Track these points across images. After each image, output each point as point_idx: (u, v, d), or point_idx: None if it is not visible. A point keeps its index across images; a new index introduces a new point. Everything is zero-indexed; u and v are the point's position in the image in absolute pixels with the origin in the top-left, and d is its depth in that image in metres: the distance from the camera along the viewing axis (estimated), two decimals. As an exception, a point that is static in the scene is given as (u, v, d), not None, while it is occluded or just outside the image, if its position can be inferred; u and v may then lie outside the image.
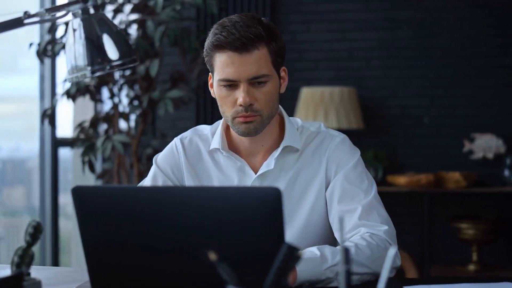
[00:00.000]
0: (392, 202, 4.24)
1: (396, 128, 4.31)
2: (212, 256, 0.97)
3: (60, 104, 3.77)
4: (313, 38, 4.40)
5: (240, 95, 1.58)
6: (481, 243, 3.94)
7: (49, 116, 3.72)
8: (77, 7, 1.24)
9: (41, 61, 3.68)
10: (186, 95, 3.70)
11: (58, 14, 1.25)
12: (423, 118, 4.28)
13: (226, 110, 1.63)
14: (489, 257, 4.06)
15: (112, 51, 1.26)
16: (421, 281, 1.43)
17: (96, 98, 3.81)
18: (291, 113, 4.19)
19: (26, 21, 1.23)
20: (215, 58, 1.61)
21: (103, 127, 3.89)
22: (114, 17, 3.81)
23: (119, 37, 1.28)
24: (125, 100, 3.84)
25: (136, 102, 3.78)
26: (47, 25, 3.89)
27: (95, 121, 3.80)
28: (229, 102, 1.61)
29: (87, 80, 3.70)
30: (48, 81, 4.03)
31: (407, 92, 4.30)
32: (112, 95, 3.77)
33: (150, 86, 3.74)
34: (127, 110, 3.81)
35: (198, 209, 1.16)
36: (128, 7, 3.83)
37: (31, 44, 3.62)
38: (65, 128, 4.34)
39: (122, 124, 3.88)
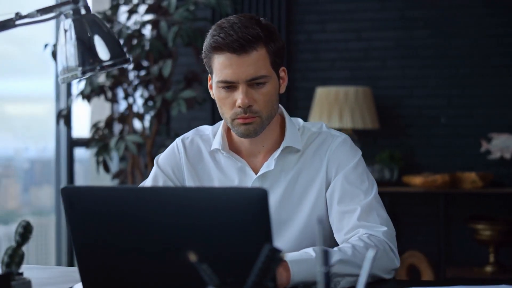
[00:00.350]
0: (408, 202, 4.22)
1: (412, 128, 4.27)
2: (192, 257, 0.97)
3: (77, 104, 3.80)
4: (328, 38, 4.38)
5: (238, 97, 1.58)
6: (498, 244, 3.89)
7: (64, 116, 3.76)
8: (68, 8, 1.25)
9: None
10: (199, 95, 3.70)
11: (50, 15, 1.25)
12: (440, 118, 4.23)
13: (225, 111, 1.62)
14: (506, 259, 4.01)
15: (103, 52, 1.27)
16: (415, 283, 1.42)
17: (111, 99, 3.84)
18: (306, 113, 4.18)
19: (17, 22, 1.23)
20: (214, 60, 1.60)
21: (118, 127, 3.92)
22: (129, 17, 3.83)
23: (110, 37, 1.28)
24: (140, 101, 3.86)
25: (151, 103, 3.79)
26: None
27: (110, 121, 3.83)
28: (228, 104, 1.60)
29: (101, 80, 3.73)
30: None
31: (423, 91, 4.26)
32: (126, 96, 3.79)
33: (164, 87, 3.75)
34: (142, 110, 3.83)
35: (185, 209, 1.16)
36: (142, 8, 3.85)
37: (46, 45, 3.65)
38: (83, 128, 4.38)
39: (137, 124, 3.89)
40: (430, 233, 4.14)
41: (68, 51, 1.25)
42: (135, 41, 3.70)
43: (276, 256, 1.00)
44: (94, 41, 1.26)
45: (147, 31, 3.82)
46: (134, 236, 1.19)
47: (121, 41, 3.67)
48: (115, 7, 3.78)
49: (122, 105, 4.13)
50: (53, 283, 1.61)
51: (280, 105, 1.74)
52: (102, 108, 4.38)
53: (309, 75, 4.40)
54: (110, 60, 1.27)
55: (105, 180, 4.12)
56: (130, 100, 3.79)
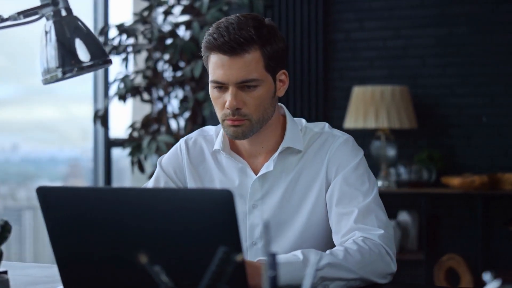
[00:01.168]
0: (447, 204, 4.11)
1: (452, 128, 4.16)
2: (143, 258, 0.96)
3: (116, 105, 3.85)
4: (366, 36, 4.32)
5: (227, 98, 1.57)
6: (541, 248, 3.75)
7: (101, 117, 3.82)
8: (49, 10, 1.26)
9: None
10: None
11: (32, 17, 1.27)
12: (482, 117, 4.11)
13: (217, 111, 1.62)
14: (550, 263, 3.87)
15: (83, 53, 1.28)
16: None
17: (147, 99, 3.88)
18: (343, 113, 4.13)
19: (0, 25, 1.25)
20: (209, 59, 1.60)
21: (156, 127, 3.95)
22: (165, 19, 3.86)
23: (91, 39, 1.29)
24: (176, 101, 3.89)
25: (186, 103, 3.82)
26: (99, 26, 3.98)
27: (146, 122, 3.87)
28: (219, 104, 1.60)
29: (138, 81, 3.76)
30: (101, 82, 4.12)
31: (464, 90, 4.15)
32: (160, 97, 3.82)
33: (198, 87, 3.77)
34: (177, 111, 3.86)
35: (154, 211, 1.15)
36: (178, 9, 3.88)
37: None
38: (123, 128, 4.44)
39: (174, 125, 3.92)
40: (469, 236, 4.03)
41: (49, 52, 1.27)
42: (168, 42, 3.73)
43: (230, 259, 0.98)
44: (74, 42, 1.27)
45: (182, 31, 3.85)
46: (107, 236, 1.19)
47: (154, 43, 3.71)
48: (149, 8, 3.82)
49: (161, 106, 4.17)
50: (52, 281, 1.63)
51: (282, 106, 1.72)
52: (142, 108, 4.43)
53: (347, 74, 4.34)
54: (90, 61, 1.28)
55: (142, 181, 4.16)
56: (165, 100, 3.82)
